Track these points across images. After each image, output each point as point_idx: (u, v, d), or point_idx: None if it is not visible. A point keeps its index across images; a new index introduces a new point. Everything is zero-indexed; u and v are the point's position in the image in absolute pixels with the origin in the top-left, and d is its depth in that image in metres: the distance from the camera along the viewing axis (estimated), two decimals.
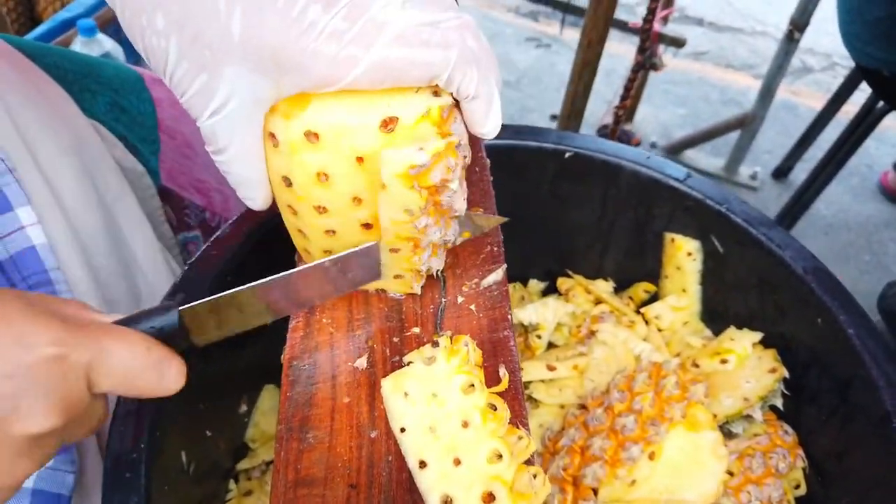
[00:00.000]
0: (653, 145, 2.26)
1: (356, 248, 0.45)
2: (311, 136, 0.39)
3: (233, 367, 0.64)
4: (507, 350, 0.48)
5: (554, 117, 2.41)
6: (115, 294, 0.70)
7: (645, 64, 1.09)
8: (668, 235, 0.70)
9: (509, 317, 0.50)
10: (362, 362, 0.47)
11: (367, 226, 0.44)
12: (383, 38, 0.37)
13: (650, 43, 1.03)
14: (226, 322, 0.44)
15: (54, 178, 0.65)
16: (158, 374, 0.38)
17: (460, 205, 0.46)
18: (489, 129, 0.43)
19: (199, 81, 0.37)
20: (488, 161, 0.60)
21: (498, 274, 0.53)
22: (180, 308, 0.41)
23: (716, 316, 0.73)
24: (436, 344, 0.47)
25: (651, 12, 0.96)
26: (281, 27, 0.36)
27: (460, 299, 0.51)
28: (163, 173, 0.86)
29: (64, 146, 0.67)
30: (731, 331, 0.67)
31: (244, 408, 0.67)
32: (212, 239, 0.57)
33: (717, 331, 0.73)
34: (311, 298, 0.48)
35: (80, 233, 0.67)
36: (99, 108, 0.80)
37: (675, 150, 2.22)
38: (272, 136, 0.40)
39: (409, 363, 0.46)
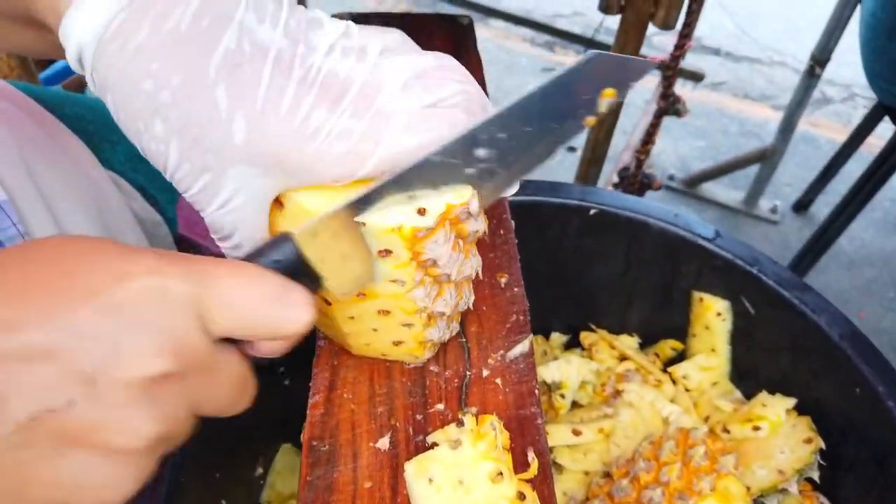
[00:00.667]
0: (671, 178, 2.24)
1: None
2: (277, 202, 0.38)
3: (248, 429, 0.63)
4: (535, 429, 0.47)
5: (571, 149, 2.40)
6: None
7: (668, 110, 1.07)
8: (697, 294, 0.68)
9: (536, 392, 0.48)
10: (384, 443, 0.45)
11: (327, 302, 0.42)
12: (392, 131, 0.36)
13: (673, 90, 1.02)
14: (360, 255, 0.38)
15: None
16: (280, 304, 0.32)
17: (466, 272, 0.44)
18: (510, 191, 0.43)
19: (201, 181, 0.36)
20: (513, 223, 0.59)
21: (524, 345, 0.51)
22: (297, 232, 0.35)
23: (746, 376, 0.70)
24: (461, 423, 0.45)
25: (675, 59, 0.94)
26: (285, 133, 0.34)
27: (485, 372, 0.49)
28: (180, 221, 0.85)
29: (83, 202, 0.66)
30: (764, 396, 0.65)
31: (260, 470, 0.65)
32: None
33: (747, 392, 0.70)
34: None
35: None
36: (118, 158, 0.79)
37: (693, 184, 2.20)
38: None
39: (433, 444, 0.45)
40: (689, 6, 0.86)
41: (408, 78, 0.38)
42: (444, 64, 0.40)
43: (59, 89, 1.07)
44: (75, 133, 0.74)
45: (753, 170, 2.12)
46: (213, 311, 0.31)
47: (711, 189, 2.21)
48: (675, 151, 2.43)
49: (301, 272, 0.35)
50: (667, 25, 0.85)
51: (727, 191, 2.22)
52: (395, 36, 0.41)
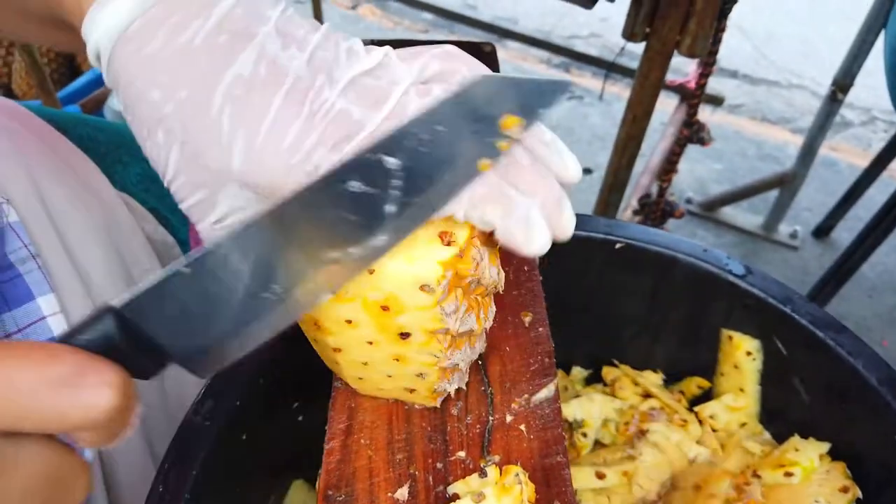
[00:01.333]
0: (688, 201, 2.21)
1: None
2: None
3: (260, 464, 0.61)
4: (561, 479, 0.44)
5: (587, 170, 2.39)
6: None
7: (692, 138, 1.05)
8: (726, 332, 0.66)
9: (563, 439, 0.46)
10: (403, 493, 0.43)
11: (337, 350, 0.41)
12: None
13: (697, 117, 0.99)
14: (212, 323, 0.31)
15: (82, 258, 0.63)
16: (68, 390, 0.26)
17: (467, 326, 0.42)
18: (534, 251, 0.38)
19: (197, 195, 0.36)
20: (537, 259, 0.57)
21: (550, 389, 0.49)
22: (119, 305, 0.29)
23: (775, 418, 0.68)
24: (483, 473, 0.43)
25: (699, 87, 0.92)
26: (283, 169, 0.33)
27: (509, 418, 0.47)
28: (192, 242, 0.84)
29: (93, 224, 0.65)
30: (796, 440, 0.62)
31: None
32: None
33: (777, 433, 0.68)
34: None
35: None
36: (130, 179, 0.78)
37: (711, 207, 2.18)
38: None
39: (454, 495, 0.42)
40: (715, 34, 0.85)
41: None
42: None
43: (73, 110, 1.06)
44: (88, 154, 0.73)
45: (772, 194, 2.09)
46: None
47: (730, 213, 2.18)
48: (691, 174, 2.41)
49: (129, 348, 0.29)
50: (693, 53, 0.83)
51: (746, 215, 2.19)
52: (441, 53, 0.39)
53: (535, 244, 0.38)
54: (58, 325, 0.57)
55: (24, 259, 0.57)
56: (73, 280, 0.61)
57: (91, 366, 0.27)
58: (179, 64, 0.33)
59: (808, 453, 0.61)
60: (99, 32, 0.34)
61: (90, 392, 0.26)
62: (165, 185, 0.36)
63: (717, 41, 0.86)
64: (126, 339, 0.29)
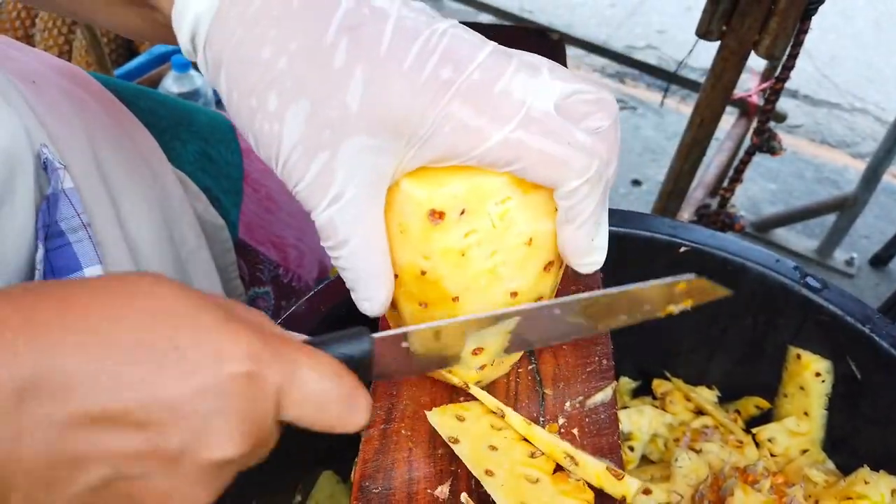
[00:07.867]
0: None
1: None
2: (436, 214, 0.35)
3: (288, 454, 0.58)
4: None
5: (636, 182, 2.33)
6: None
7: (762, 147, 1.00)
8: (794, 350, 0.61)
9: (619, 449, 0.42)
10: (444, 490, 0.40)
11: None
12: (520, 117, 0.33)
13: (768, 125, 0.94)
14: (415, 359, 0.39)
15: (132, 231, 0.62)
16: (348, 406, 0.33)
17: None
18: (590, 262, 0.39)
19: (315, 165, 0.33)
20: None
21: (606, 393, 0.45)
22: (375, 336, 0.36)
23: (841, 447, 0.63)
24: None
25: (776, 93, 0.88)
26: (408, 91, 0.32)
27: (561, 420, 0.44)
28: (242, 226, 0.82)
29: (147, 198, 0.64)
30: (866, 472, 0.57)
31: (298, 498, 0.61)
32: (283, 317, 0.52)
33: (842, 464, 0.63)
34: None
35: None
36: (187, 157, 0.77)
37: (763, 228, 2.10)
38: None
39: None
40: (797, 36, 0.80)
41: (560, 96, 0.34)
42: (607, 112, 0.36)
43: (135, 84, 1.07)
44: (147, 128, 0.72)
45: (829, 218, 2.01)
46: (290, 403, 0.31)
47: (783, 235, 2.11)
48: (744, 192, 2.33)
49: (365, 366, 0.36)
50: (771, 55, 0.79)
51: (800, 238, 2.11)
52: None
53: (598, 254, 0.40)
54: None
55: (76, 228, 0.55)
56: (122, 253, 0.59)
57: (359, 389, 0.34)
58: (287, 16, 0.32)
59: (879, 487, 0.56)
60: (193, 10, 0.33)
61: (357, 413, 0.33)
62: (278, 169, 0.34)
63: (797, 44, 0.81)
64: (368, 363, 0.36)
